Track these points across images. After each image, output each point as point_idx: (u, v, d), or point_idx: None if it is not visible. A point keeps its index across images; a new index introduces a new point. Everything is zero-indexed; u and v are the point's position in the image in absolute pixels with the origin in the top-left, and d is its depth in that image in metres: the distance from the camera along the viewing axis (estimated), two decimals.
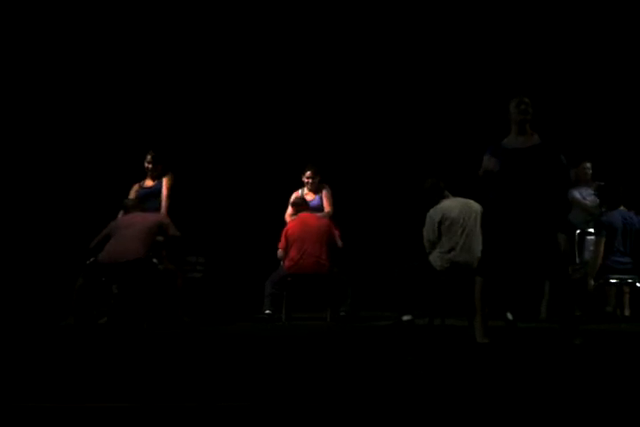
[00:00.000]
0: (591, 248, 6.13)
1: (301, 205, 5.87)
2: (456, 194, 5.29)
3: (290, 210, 6.01)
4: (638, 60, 7.32)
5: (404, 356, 3.41)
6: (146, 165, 5.65)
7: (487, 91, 7.20)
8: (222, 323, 5.46)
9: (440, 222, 5.01)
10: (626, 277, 5.99)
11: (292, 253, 5.58)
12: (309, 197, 6.03)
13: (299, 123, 7.72)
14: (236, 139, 7.70)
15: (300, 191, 6.12)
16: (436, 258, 5.01)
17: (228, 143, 7.67)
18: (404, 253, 5.79)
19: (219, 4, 7.53)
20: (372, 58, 7.76)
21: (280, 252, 5.73)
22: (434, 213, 5.08)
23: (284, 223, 5.90)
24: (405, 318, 4.96)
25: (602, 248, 5.96)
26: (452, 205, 5.09)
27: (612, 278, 5.99)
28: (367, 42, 7.66)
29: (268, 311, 5.47)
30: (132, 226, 5.02)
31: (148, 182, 5.71)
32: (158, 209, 5.47)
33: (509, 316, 5.05)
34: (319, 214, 5.86)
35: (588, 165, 6.24)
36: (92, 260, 5.00)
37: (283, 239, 5.70)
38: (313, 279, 5.59)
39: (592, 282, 5.95)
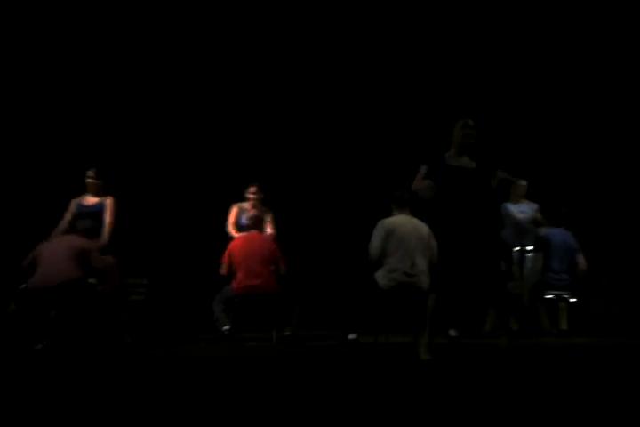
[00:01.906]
0: (529, 264, 6.35)
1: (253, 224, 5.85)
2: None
3: (232, 218, 5.97)
4: (578, 85, 7.66)
5: (348, 375, 3.43)
6: (88, 180, 5.41)
7: (428, 111, 7.40)
8: (166, 345, 5.36)
9: (387, 236, 4.99)
10: (561, 292, 6.23)
11: (240, 274, 5.55)
12: (250, 213, 6.01)
13: (241, 143, 7.72)
14: (174, 157, 7.64)
15: (237, 207, 6.07)
16: (381, 277, 5.04)
17: (166, 162, 7.60)
18: (349, 273, 5.84)
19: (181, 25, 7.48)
20: (313, 77, 7.87)
21: (223, 266, 5.66)
22: (381, 225, 5.04)
23: (225, 241, 5.84)
24: (351, 336, 4.97)
25: (539, 264, 6.19)
26: (401, 222, 5.09)
27: (549, 294, 6.22)
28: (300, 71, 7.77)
29: (226, 327, 5.42)
30: (61, 248, 4.88)
31: (90, 200, 5.47)
32: (92, 231, 5.29)
33: (452, 333, 5.14)
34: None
35: (524, 182, 6.46)
36: (23, 286, 4.84)
37: (226, 255, 5.64)
38: (260, 299, 5.57)
39: (527, 297, 6.15)
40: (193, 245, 7.15)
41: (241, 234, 5.86)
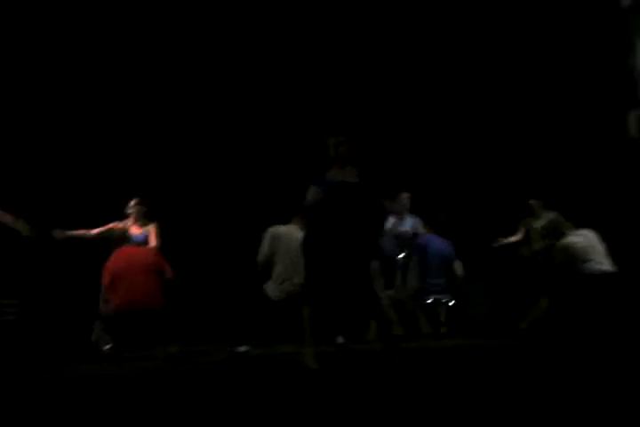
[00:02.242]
0: (409, 271, 6.61)
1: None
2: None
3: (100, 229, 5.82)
4: (451, 98, 8.07)
5: (238, 388, 3.38)
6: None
7: (307, 129, 7.52)
8: (42, 366, 5.04)
9: (272, 243, 5.06)
10: (440, 296, 6.52)
11: (121, 290, 5.29)
12: (136, 230, 5.81)
13: (124, 157, 7.48)
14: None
15: (121, 224, 5.87)
16: (271, 288, 5.05)
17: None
18: (238, 286, 5.78)
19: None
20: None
21: (104, 289, 5.37)
22: (269, 233, 5.13)
23: (97, 261, 5.57)
24: (241, 349, 4.92)
25: (417, 270, 6.47)
26: (288, 231, 5.17)
27: (429, 299, 6.49)
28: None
29: (107, 346, 5.20)
30: None
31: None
32: None
33: (340, 340, 5.23)
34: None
35: (406, 195, 6.70)
36: None
37: (107, 276, 5.33)
38: (143, 316, 5.34)
39: (409, 302, 6.40)
40: (63, 262, 6.76)
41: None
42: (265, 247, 5.07)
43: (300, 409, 2.54)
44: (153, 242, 5.83)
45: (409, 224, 6.69)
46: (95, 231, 5.81)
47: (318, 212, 4.13)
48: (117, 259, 5.42)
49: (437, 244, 6.64)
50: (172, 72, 7.75)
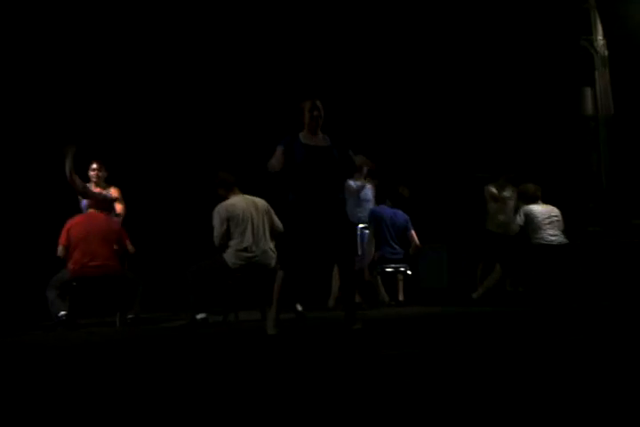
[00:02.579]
0: (366, 240, 6.66)
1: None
2: (245, 191, 5.36)
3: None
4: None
5: (198, 354, 3.38)
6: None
7: (279, 88, 7.44)
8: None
9: (228, 219, 5.04)
10: (399, 265, 6.60)
11: (77, 254, 5.19)
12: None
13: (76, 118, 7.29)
14: None
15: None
16: (230, 256, 5.03)
17: None
18: (192, 253, 5.74)
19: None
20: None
21: (60, 249, 5.27)
22: (221, 209, 5.09)
23: (57, 222, 5.45)
24: (199, 316, 4.90)
25: (372, 238, 6.52)
26: (239, 203, 5.14)
27: (388, 268, 6.56)
28: None
29: (62, 313, 5.04)
30: None
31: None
32: None
33: (299, 307, 5.26)
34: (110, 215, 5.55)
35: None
36: None
37: (64, 235, 5.24)
38: (100, 282, 5.27)
39: (367, 272, 6.46)
40: (23, 227, 6.61)
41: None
42: (217, 226, 5.05)
43: (256, 376, 2.56)
44: (119, 206, 5.73)
45: (367, 190, 6.69)
46: (78, 181, 5.59)
47: (291, 179, 4.09)
48: (76, 224, 5.31)
49: (390, 213, 6.68)
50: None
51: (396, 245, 6.59)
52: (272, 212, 5.22)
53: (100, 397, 2.21)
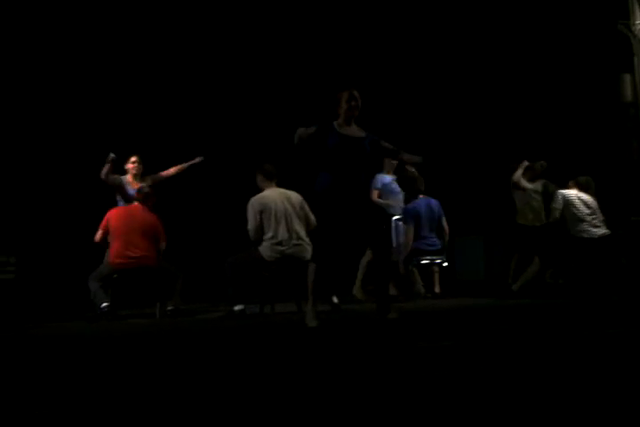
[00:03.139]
0: (402, 232, 6.65)
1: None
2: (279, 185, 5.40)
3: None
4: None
5: (238, 345, 3.43)
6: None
7: (311, 82, 7.45)
8: (38, 325, 5.08)
9: (261, 211, 5.08)
10: (434, 257, 6.58)
11: (117, 245, 5.34)
12: (134, 186, 5.82)
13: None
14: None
15: (121, 179, 5.89)
16: (265, 248, 5.09)
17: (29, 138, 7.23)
18: (234, 244, 5.81)
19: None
20: None
21: (99, 233, 5.44)
22: (254, 202, 5.14)
23: (97, 217, 5.60)
24: (237, 308, 4.98)
25: (411, 234, 6.50)
26: (273, 196, 5.19)
27: (424, 260, 6.55)
28: None
29: (105, 304, 5.19)
30: None
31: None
32: None
33: (335, 299, 5.29)
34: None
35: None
36: None
37: (104, 222, 5.44)
38: (140, 273, 5.40)
39: (402, 265, 6.46)
40: (62, 220, 6.77)
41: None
42: (251, 219, 5.10)
43: (300, 368, 2.59)
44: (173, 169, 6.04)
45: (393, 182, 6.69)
46: (113, 176, 5.83)
47: (325, 162, 4.07)
48: (117, 216, 5.46)
49: (427, 205, 6.66)
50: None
51: (432, 237, 6.57)
52: (306, 206, 5.24)
53: (135, 387, 2.27)
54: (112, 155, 5.59)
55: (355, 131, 4.19)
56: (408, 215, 6.54)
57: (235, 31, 7.86)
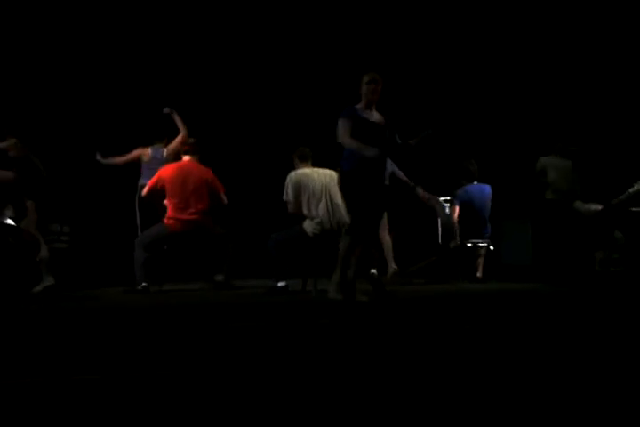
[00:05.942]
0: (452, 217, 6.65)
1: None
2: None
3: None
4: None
5: (285, 320, 3.51)
6: None
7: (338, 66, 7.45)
8: (92, 296, 5.24)
9: (300, 185, 5.13)
10: (478, 240, 6.52)
11: (173, 204, 5.44)
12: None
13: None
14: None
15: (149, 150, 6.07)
16: (308, 225, 5.14)
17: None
18: (277, 222, 5.87)
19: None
20: None
21: (146, 189, 5.58)
22: (293, 175, 5.18)
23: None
24: (280, 284, 5.06)
25: (455, 216, 6.51)
26: (311, 174, 5.23)
27: (468, 243, 6.50)
28: None
29: (144, 284, 5.29)
30: None
31: None
32: None
33: (374, 272, 5.28)
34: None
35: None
36: None
37: (155, 179, 5.53)
38: (192, 236, 5.50)
39: (452, 244, 6.50)
40: (113, 191, 6.92)
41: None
42: (289, 194, 5.15)
43: (337, 345, 2.65)
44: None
45: None
46: (123, 159, 6.04)
47: (348, 152, 4.22)
48: (170, 175, 5.51)
49: (480, 190, 6.63)
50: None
51: (483, 221, 6.54)
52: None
53: (170, 363, 2.36)
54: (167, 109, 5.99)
55: (377, 117, 4.32)
56: (458, 198, 6.55)
57: (257, 16, 7.87)
